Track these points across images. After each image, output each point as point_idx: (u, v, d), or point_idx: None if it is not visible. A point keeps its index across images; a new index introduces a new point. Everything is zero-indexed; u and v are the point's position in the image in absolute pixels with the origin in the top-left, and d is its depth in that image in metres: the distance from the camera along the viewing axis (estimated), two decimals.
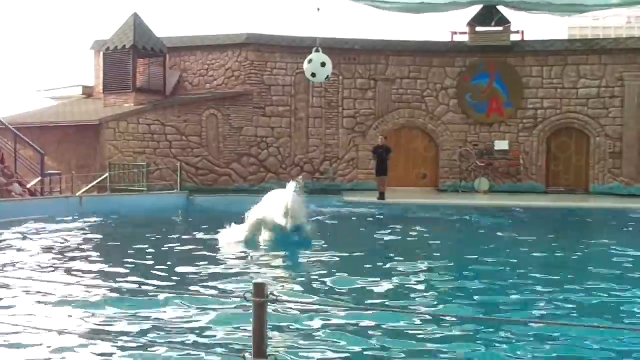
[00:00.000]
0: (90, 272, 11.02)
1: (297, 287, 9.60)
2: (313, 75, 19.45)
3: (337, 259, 12.08)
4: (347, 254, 12.38)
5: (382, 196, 23.51)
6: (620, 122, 26.99)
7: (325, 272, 10.66)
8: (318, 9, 21.69)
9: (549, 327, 7.44)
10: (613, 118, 27.07)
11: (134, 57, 27.01)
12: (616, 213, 21.49)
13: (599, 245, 14.34)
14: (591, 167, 27.46)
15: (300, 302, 7.39)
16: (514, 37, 28.01)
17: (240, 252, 12.85)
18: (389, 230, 16.32)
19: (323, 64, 18.94)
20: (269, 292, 4.40)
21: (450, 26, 33.71)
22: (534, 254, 13.09)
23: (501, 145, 27.65)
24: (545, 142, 27.72)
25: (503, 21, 27.59)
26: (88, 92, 30.29)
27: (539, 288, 9.81)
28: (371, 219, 19.72)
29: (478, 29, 27.89)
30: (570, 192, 27.03)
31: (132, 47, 26.77)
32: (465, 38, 28.19)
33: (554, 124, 27.59)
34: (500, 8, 27.48)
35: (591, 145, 27.38)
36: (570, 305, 8.72)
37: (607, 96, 27.12)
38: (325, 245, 13.44)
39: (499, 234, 16.56)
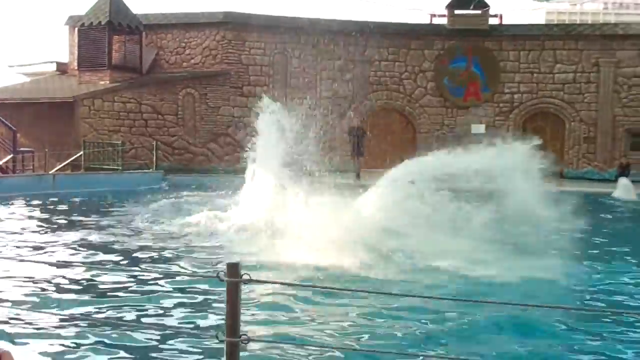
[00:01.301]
0: (56, 250, 10.92)
1: None
2: None
3: None
4: None
5: (358, 175, 23.60)
6: (595, 107, 27.20)
7: None
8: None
9: None
10: (588, 103, 27.27)
11: (110, 34, 26.66)
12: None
13: None
14: (566, 152, 27.67)
15: (275, 283, 7.38)
16: (492, 21, 28.06)
17: None
18: None
19: None
20: (242, 273, 4.37)
21: (429, 9, 33.72)
22: None
23: (477, 129, 27.75)
24: (522, 126, 27.86)
25: (482, 5, 27.62)
26: (62, 69, 29.85)
27: None
28: None
29: (457, 12, 27.88)
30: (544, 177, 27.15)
31: (108, 23, 26.42)
32: (444, 21, 28.19)
33: (530, 109, 27.74)
34: None
35: (566, 130, 27.57)
36: None
37: (583, 82, 27.30)
38: None
39: None
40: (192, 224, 13.41)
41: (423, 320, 7.45)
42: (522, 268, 9.51)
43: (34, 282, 8.62)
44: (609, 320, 7.64)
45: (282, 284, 7.40)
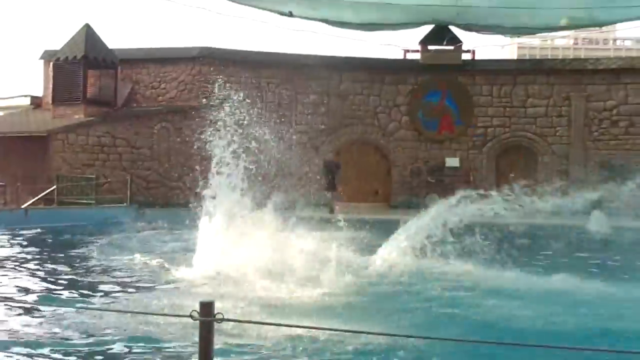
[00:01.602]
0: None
1: None
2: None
3: None
4: None
5: (332, 210, 23.61)
6: (567, 140, 27.55)
7: None
8: (290, 13, 21.59)
9: None
10: (560, 137, 27.62)
11: (85, 68, 26.62)
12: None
13: None
14: (538, 185, 27.87)
15: (251, 322, 7.32)
16: (465, 57, 28.43)
17: None
18: None
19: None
20: (216, 312, 4.36)
21: (403, 44, 34.13)
22: None
23: (452, 162, 27.98)
24: (495, 159, 28.12)
25: (454, 40, 27.99)
26: (36, 103, 29.71)
27: None
28: None
29: (430, 47, 28.23)
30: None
31: (84, 57, 26.40)
32: (417, 56, 28.51)
33: (503, 142, 28.03)
34: (452, 28, 27.90)
35: (539, 163, 27.86)
36: None
37: (555, 115, 27.68)
38: None
39: None
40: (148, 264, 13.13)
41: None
42: None
43: None
44: None
45: (257, 323, 7.35)
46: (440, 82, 28.13)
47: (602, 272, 13.53)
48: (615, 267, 14.75)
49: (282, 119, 27.86)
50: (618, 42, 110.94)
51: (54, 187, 23.29)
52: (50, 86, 27.70)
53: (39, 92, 30.19)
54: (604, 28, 32.98)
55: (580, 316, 9.29)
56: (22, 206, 21.57)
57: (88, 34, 27.04)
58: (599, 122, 27.33)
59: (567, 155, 27.55)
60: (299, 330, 7.46)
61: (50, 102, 27.60)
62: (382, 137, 28.28)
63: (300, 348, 7.36)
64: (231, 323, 5.84)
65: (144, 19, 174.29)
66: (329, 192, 24.58)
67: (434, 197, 27.62)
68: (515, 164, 28.26)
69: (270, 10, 24.66)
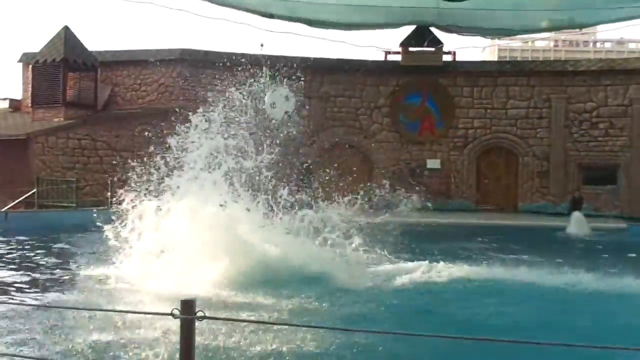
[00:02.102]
0: None
1: None
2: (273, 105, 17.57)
3: None
4: None
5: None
6: (547, 142, 27.71)
7: None
8: (262, 45, 21.90)
9: None
10: (541, 138, 27.78)
11: (65, 71, 26.47)
12: None
13: None
14: (520, 186, 28.07)
15: (232, 320, 7.29)
16: (446, 58, 28.54)
17: None
18: None
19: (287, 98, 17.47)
20: (197, 310, 4.33)
21: (384, 46, 34.19)
22: None
23: (433, 164, 28.06)
24: (476, 161, 28.25)
25: (435, 42, 28.09)
26: (15, 106, 29.49)
27: None
28: None
29: (411, 49, 28.31)
30: (500, 211, 27.54)
31: (63, 60, 26.25)
32: (398, 58, 28.59)
33: (484, 144, 28.16)
34: (433, 29, 28.00)
35: (520, 164, 28.01)
36: None
37: (535, 117, 27.83)
38: None
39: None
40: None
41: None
42: None
43: None
44: None
45: (238, 320, 7.32)
46: (421, 84, 28.21)
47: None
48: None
49: (264, 121, 27.83)
50: (598, 44, 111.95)
51: (34, 190, 23.11)
52: (30, 89, 27.51)
53: (17, 95, 29.99)
54: (584, 30, 33.18)
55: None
56: (2, 209, 21.39)
57: (67, 36, 26.89)
58: (579, 123, 27.52)
59: (547, 157, 27.70)
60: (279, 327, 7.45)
61: (30, 105, 27.41)
62: (364, 139, 28.32)
63: (282, 345, 7.35)
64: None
65: (123, 21, 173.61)
66: (304, 193, 24.89)
67: (414, 198, 27.73)
68: (496, 165, 28.41)
69: (251, 12, 24.60)
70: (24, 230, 18.14)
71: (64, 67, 26.36)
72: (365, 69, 28.51)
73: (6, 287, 11.00)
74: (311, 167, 24.56)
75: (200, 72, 27.59)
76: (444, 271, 12.18)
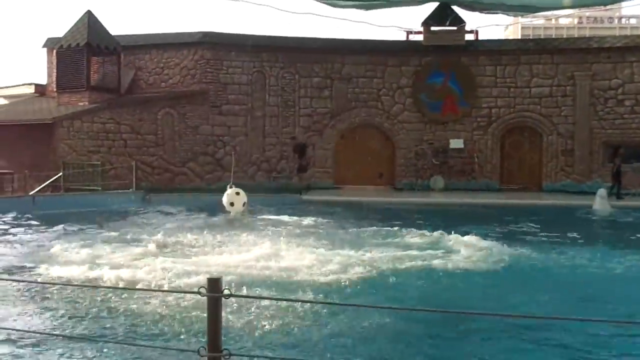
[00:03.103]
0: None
1: None
2: (232, 204, 17.86)
3: None
4: None
5: (300, 191, 24.77)
6: (572, 120, 27.47)
7: None
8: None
9: None
10: (565, 117, 27.54)
11: (88, 56, 26.66)
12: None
13: None
14: (544, 165, 27.89)
15: (257, 297, 7.39)
16: (469, 37, 28.32)
17: None
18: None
19: (237, 194, 17.76)
20: (224, 287, 4.40)
21: (406, 26, 33.99)
22: None
23: (456, 143, 27.94)
24: (500, 140, 28.09)
25: (457, 21, 27.88)
26: (41, 91, 29.81)
27: None
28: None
29: (433, 28, 28.12)
30: (524, 190, 27.41)
31: (86, 45, 26.43)
32: (420, 38, 28.42)
33: (508, 123, 27.97)
34: (455, 8, 27.80)
35: (544, 143, 27.81)
36: None
37: (560, 95, 27.57)
38: None
39: None
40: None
41: (410, 332, 7.49)
42: None
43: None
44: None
45: (263, 298, 7.42)
46: (444, 64, 28.03)
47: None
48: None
49: (285, 104, 27.89)
50: (623, 21, 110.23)
51: (60, 174, 23.38)
52: (54, 74, 27.76)
53: (42, 80, 30.30)
54: (608, 6, 32.73)
55: None
56: (30, 193, 21.68)
57: (90, 21, 27.06)
58: (604, 101, 27.23)
59: (572, 135, 27.47)
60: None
61: (55, 89, 27.68)
62: (386, 120, 28.25)
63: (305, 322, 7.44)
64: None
65: (146, 5, 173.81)
66: (299, 175, 25.50)
67: (438, 178, 27.73)
68: (520, 144, 28.23)
69: None
70: (52, 213, 18.39)
71: (87, 52, 26.55)
72: (387, 50, 28.39)
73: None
74: (303, 146, 25.35)
75: (222, 54, 27.65)
76: None
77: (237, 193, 17.04)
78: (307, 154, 25.43)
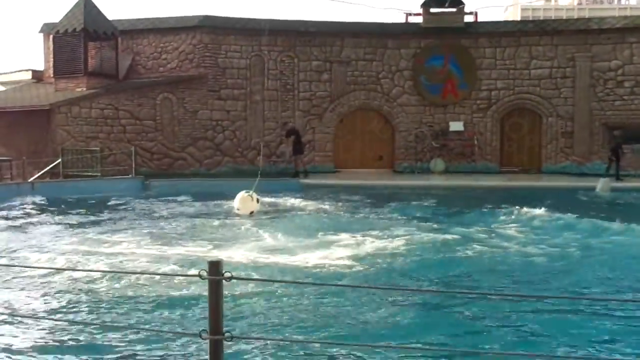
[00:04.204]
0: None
1: None
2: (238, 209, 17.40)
3: None
4: None
5: (297, 174, 24.86)
6: (571, 102, 27.38)
7: None
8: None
9: None
10: (565, 98, 27.45)
11: (85, 41, 26.49)
12: None
13: None
14: (544, 147, 27.84)
15: (258, 280, 7.37)
16: (468, 19, 28.18)
17: None
18: None
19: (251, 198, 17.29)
20: (224, 271, 4.37)
21: (405, 8, 33.80)
22: None
23: (456, 126, 27.87)
24: (499, 122, 28.01)
25: (457, 2, 27.74)
26: (38, 77, 29.65)
27: None
28: None
29: (432, 10, 27.99)
30: (524, 172, 27.39)
31: (83, 30, 26.25)
32: (419, 20, 28.29)
33: (508, 105, 27.89)
34: None
35: (544, 125, 27.74)
36: None
37: (559, 77, 27.47)
38: None
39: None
40: None
41: (409, 313, 7.47)
42: None
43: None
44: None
45: (264, 280, 7.39)
46: (443, 46, 27.91)
47: None
48: None
49: (286, 87, 27.79)
50: (623, 2, 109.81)
51: (59, 160, 23.32)
52: (51, 60, 27.62)
53: (40, 66, 30.13)
54: None
55: None
56: (29, 179, 21.64)
57: (86, 5, 26.85)
58: (604, 82, 27.13)
59: (571, 117, 27.40)
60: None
61: (52, 75, 27.54)
62: (386, 103, 28.16)
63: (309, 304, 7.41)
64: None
65: None
66: (296, 159, 25.61)
67: (438, 161, 27.68)
68: (520, 126, 28.17)
69: None
70: (51, 199, 18.37)
71: (84, 37, 26.38)
72: (386, 32, 28.25)
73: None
74: (291, 130, 25.55)
75: (221, 38, 27.51)
76: None
77: (252, 198, 16.36)
78: (301, 137, 25.61)
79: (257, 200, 16.46)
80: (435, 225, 13.95)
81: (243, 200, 16.23)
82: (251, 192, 16.26)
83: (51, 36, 27.48)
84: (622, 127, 26.08)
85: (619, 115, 26.89)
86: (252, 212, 16.03)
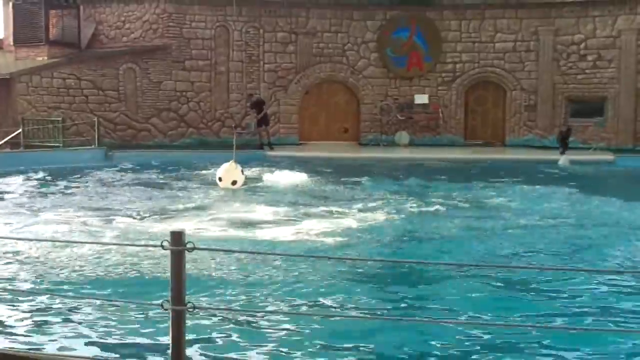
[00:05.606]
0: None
1: None
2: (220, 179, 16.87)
3: None
4: None
5: (262, 146, 25.12)
6: (535, 75, 27.58)
7: None
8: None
9: None
10: (528, 72, 27.64)
11: (47, 9, 25.99)
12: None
13: None
14: (507, 120, 28.08)
15: (220, 250, 7.36)
16: None
17: None
18: None
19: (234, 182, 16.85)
20: (187, 241, 4.36)
21: None
22: None
23: (421, 99, 27.95)
24: (464, 95, 28.15)
25: None
26: None
27: None
28: None
29: None
30: (488, 145, 27.63)
31: None
32: None
33: (472, 78, 28.02)
34: None
35: (507, 98, 27.95)
36: None
37: (523, 50, 27.64)
38: None
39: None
40: None
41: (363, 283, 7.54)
42: None
43: None
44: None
45: (226, 251, 7.40)
46: (409, 18, 27.89)
47: None
48: None
49: (251, 59, 27.58)
50: None
51: (20, 130, 22.96)
52: (11, 27, 27.04)
53: None
54: None
55: None
56: None
57: None
58: (567, 56, 27.34)
59: (535, 90, 27.62)
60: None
61: (12, 43, 26.99)
62: (351, 75, 28.11)
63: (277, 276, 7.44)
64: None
65: None
66: (263, 131, 25.62)
67: (403, 134, 27.77)
68: (484, 99, 28.35)
69: None
70: (12, 170, 18.12)
71: (45, 5, 25.87)
72: (352, 3, 28.13)
73: None
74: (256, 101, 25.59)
75: (185, 8, 27.15)
76: None
77: (236, 167, 15.89)
78: (265, 109, 25.62)
79: (242, 172, 15.98)
80: (413, 198, 14.00)
81: (227, 171, 15.70)
82: (233, 162, 15.84)
83: (10, 3, 26.90)
84: (581, 100, 26.53)
85: (581, 89, 27.17)
86: (234, 182, 15.58)
